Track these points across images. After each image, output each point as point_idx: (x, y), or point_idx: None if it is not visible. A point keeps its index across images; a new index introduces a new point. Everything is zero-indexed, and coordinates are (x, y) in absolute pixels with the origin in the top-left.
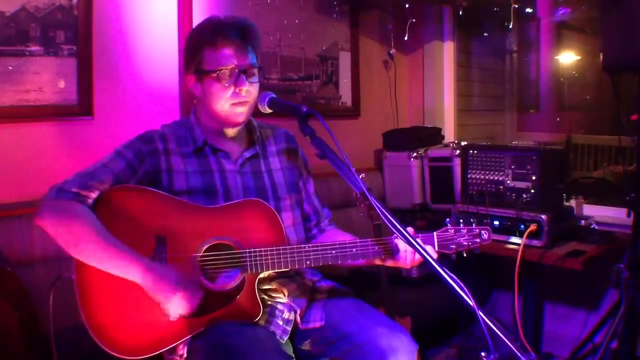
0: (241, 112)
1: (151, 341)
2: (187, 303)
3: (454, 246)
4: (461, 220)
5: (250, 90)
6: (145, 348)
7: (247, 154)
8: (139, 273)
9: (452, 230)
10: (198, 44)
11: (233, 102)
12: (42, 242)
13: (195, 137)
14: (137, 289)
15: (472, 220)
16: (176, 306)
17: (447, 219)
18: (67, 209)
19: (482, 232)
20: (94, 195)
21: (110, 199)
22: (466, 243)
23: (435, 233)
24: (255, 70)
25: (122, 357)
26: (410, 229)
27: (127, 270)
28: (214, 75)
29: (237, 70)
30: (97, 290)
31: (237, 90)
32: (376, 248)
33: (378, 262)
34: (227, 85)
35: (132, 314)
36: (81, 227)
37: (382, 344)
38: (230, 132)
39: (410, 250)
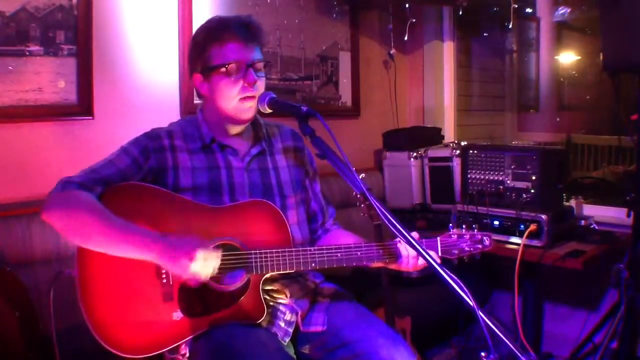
0: (250, 107)
1: (153, 340)
2: (209, 261)
3: (456, 251)
4: (464, 226)
5: (258, 84)
6: (147, 347)
7: (254, 151)
8: (151, 249)
9: (455, 236)
10: (204, 41)
11: (242, 97)
12: (42, 242)
13: (202, 135)
14: (140, 287)
15: (474, 226)
16: (200, 267)
17: (450, 224)
18: (72, 198)
19: (484, 238)
20: (99, 189)
21: (115, 198)
22: (468, 249)
23: (438, 238)
24: (262, 65)
25: (123, 355)
26: (415, 234)
27: (139, 249)
28: (223, 70)
29: (245, 65)
30: (100, 287)
31: (246, 84)
32: (381, 252)
33: (380, 264)
34: (235, 79)
35: (135, 312)
36: (87, 213)
37: (382, 354)
38: (237, 129)
39: (413, 256)
